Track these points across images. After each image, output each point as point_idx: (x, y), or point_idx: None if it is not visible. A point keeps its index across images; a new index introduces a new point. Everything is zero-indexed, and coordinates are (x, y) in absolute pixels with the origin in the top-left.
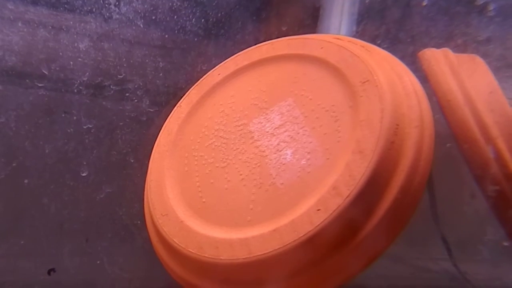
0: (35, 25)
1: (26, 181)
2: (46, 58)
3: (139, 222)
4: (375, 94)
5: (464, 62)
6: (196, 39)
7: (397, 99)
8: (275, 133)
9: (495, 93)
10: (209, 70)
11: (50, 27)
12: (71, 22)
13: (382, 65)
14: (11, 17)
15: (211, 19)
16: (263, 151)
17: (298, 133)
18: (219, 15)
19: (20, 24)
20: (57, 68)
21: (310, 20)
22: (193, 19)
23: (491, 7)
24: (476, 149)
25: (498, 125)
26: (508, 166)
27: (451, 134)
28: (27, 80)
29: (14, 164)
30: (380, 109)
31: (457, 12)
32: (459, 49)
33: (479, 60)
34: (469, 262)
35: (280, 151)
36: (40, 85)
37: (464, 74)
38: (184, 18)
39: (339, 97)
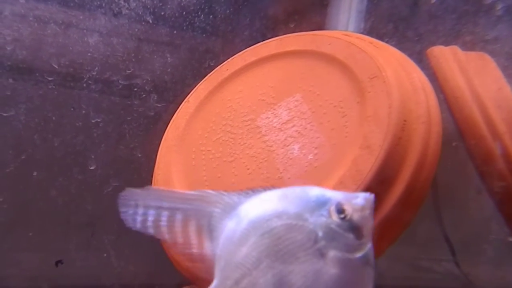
0: (46, 20)
1: (35, 173)
2: (55, 52)
3: None
4: (383, 89)
5: (473, 60)
6: (204, 36)
7: (405, 95)
8: (282, 128)
9: (503, 90)
10: (216, 66)
11: (60, 22)
12: (81, 17)
13: (390, 61)
14: (22, 11)
15: (219, 16)
16: (271, 146)
17: (306, 128)
18: (227, 11)
19: (30, 19)
20: (67, 63)
21: (318, 17)
22: (201, 16)
23: (499, 6)
24: (483, 145)
25: (506, 122)
26: None
27: (457, 132)
28: (37, 74)
29: (23, 157)
30: (388, 105)
31: (465, 11)
32: (467, 47)
33: (487, 57)
34: (472, 262)
35: (288, 146)
36: (49, 79)
37: (472, 71)
38: (193, 15)
39: (347, 92)
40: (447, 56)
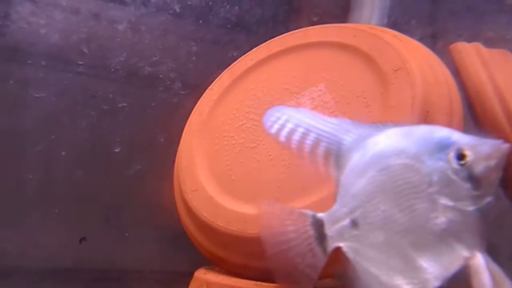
0: (77, 6)
1: (63, 153)
2: (86, 38)
3: (165, 199)
4: (407, 81)
5: (495, 56)
6: (229, 26)
7: (428, 87)
8: None
9: None
10: (240, 56)
11: (91, 9)
12: (111, 5)
13: (414, 54)
14: None
15: (244, 7)
16: None
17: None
18: (252, 3)
19: (64, 4)
20: (96, 48)
21: (341, 12)
22: (227, 6)
23: None
24: (503, 139)
25: None
26: None
27: (475, 128)
28: (67, 58)
29: (52, 137)
30: (412, 96)
31: (486, 10)
32: (488, 46)
33: (509, 54)
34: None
35: None
36: (79, 63)
37: (494, 67)
38: (218, 5)
39: (370, 83)
40: (470, 52)
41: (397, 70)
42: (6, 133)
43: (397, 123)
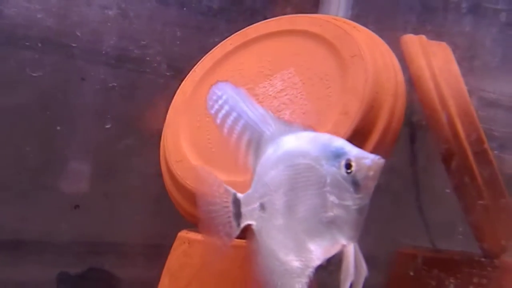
0: None
1: (58, 128)
2: (79, 21)
3: (152, 171)
4: (361, 66)
5: (433, 47)
6: (210, 13)
7: (378, 71)
8: (276, 96)
9: (452, 70)
10: (221, 42)
11: None
12: None
13: (369, 44)
14: None
15: None
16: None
17: (296, 97)
18: None
19: None
20: (88, 31)
21: (311, 4)
22: None
23: (464, 4)
24: (435, 115)
25: (452, 96)
26: (456, 127)
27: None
28: (62, 40)
29: (48, 113)
30: (364, 79)
31: (436, 7)
32: (434, 39)
33: (445, 45)
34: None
35: (280, 111)
36: (73, 45)
37: (432, 56)
38: None
39: (332, 68)
40: (415, 43)
41: (353, 56)
42: (6, 109)
43: (310, 127)
